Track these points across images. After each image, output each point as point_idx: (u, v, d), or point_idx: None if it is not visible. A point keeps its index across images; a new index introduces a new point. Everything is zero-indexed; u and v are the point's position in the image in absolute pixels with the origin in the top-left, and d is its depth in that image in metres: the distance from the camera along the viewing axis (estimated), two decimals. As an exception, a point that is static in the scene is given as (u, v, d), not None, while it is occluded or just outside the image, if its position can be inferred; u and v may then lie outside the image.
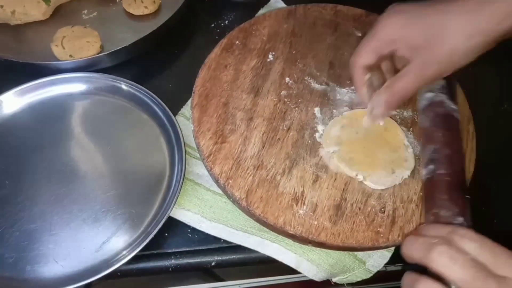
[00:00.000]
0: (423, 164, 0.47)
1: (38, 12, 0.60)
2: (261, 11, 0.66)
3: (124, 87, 0.55)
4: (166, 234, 0.48)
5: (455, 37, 0.38)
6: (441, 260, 0.33)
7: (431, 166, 0.44)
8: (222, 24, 0.66)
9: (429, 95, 0.48)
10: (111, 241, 0.45)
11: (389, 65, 0.46)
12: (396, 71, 0.44)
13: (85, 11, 0.64)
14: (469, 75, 0.55)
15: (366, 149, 0.48)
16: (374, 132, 0.49)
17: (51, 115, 0.54)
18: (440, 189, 0.42)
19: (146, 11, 0.63)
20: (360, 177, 0.46)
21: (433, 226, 0.40)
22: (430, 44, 0.39)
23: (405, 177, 0.47)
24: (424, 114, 0.48)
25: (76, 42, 0.57)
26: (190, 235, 0.48)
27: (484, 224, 0.50)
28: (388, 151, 0.48)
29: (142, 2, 0.63)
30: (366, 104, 0.46)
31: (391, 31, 0.42)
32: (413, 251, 0.35)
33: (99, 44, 0.58)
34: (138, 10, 0.63)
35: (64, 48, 0.56)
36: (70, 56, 0.56)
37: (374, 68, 0.45)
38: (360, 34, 0.59)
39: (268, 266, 0.49)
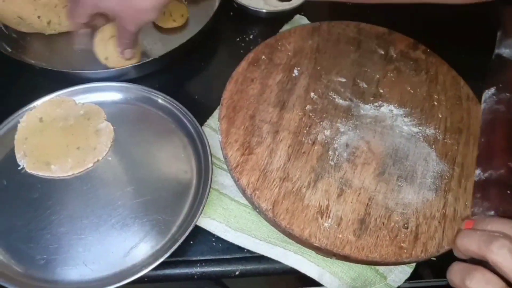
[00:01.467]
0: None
1: (71, 22, 0.62)
2: (285, 27, 0.67)
3: (153, 97, 0.57)
4: (192, 242, 0.49)
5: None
6: (502, 253, 0.32)
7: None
8: (247, 39, 0.68)
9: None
10: (139, 247, 0.47)
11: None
12: None
13: (116, 23, 0.66)
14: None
15: None
16: None
17: (82, 122, 0.55)
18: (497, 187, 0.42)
19: (175, 24, 0.65)
20: None
21: (491, 220, 0.39)
22: (117, 16, 0.51)
23: None
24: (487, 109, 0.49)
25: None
26: (214, 244, 0.49)
27: None
28: None
29: (170, 15, 0.65)
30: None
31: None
32: (471, 242, 0.35)
33: (139, 54, 0.60)
34: (167, 23, 0.65)
35: (105, 48, 0.58)
36: (106, 59, 0.58)
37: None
38: (382, 52, 0.61)
39: (278, 278, 0.49)
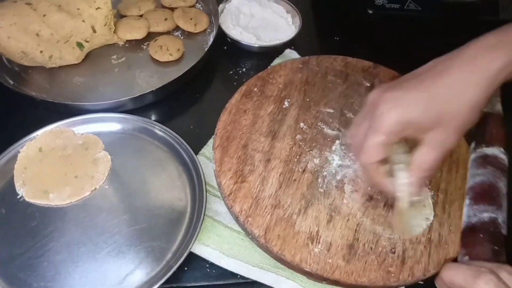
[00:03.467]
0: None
1: (72, 57, 0.65)
2: (277, 61, 0.71)
3: (149, 127, 0.59)
4: (186, 268, 0.50)
5: (460, 106, 0.39)
6: None
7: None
8: (240, 72, 0.71)
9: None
10: (134, 274, 0.48)
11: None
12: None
13: (114, 56, 0.69)
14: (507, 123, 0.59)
15: None
16: None
17: (80, 152, 0.57)
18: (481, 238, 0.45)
19: (171, 58, 0.68)
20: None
21: (477, 261, 0.42)
22: (443, 123, 0.39)
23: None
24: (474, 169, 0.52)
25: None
26: (208, 270, 0.50)
27: None
28: None
29: (167, 49, 0.68)
30: (393, 192, 0.44)
31: (391, 118, 0.39)
32: (458, 275, 0.36)
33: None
34: (163, 57, 0.68)
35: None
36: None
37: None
38: (368, 84, 0.64)
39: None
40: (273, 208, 0.50)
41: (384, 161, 0.43)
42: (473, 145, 0.56)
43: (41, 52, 0.63)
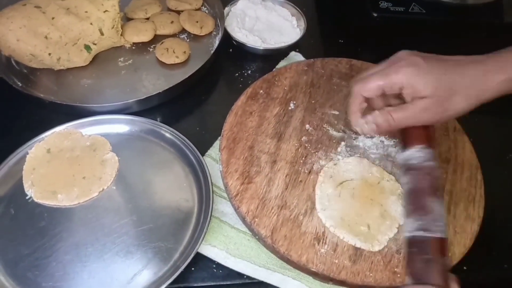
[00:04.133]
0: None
1: (80, 59, 0.66)
2: (282, 63, 0.71)
3: (156, 129, 0.60)
4: (193, 269, 0.50)
5: (457, 97, 0.44)
6: None
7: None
8: (245, 74, 0.72)
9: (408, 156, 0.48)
10: (142, 274, 0.48)
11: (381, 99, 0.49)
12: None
13: (121, 59, 0.70)
14: (476, 126, 0.60)
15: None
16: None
17: (88, 153, 0.58)
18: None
19: (177, 60, 0.69)
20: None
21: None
22: (434, 97, 0.44)
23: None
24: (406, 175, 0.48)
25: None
26: (215, 270, 0.51)
27: (494, 268, 0.53)
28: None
29: (173, 52, 0.69)
30: (356, 126, 0.50)
31: (403, 78, 0.45)
32: None
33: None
34: (169, 59, 0.69)
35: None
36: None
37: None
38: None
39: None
40: (280, 209, 0.50)
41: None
42: (396, 149, 0.55)
43: (49, 54, 0.63)
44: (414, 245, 0.42)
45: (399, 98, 0.47)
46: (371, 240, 0.48)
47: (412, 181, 0.46)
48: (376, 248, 0.48)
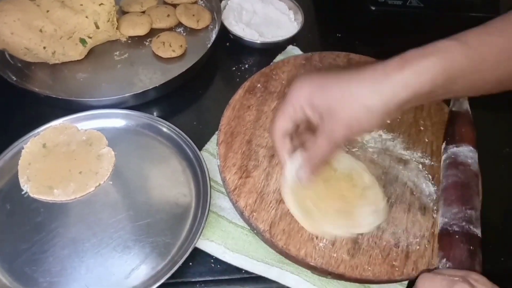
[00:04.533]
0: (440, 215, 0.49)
1: (75, 53, 0.65)
2: (279, 57, 0.71)
3: (153, 123, 0.59)
4: (191, 264, 0.50)
5: (355, 108, 0.40)
6: None
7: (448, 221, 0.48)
8: (243, 68, 0.71)
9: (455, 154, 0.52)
10: (140, 269, 0.48)
11: (305, 126, 0.47)
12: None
13: (117, 53, 0.69)
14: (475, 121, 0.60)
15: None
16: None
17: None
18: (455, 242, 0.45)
19: (174, 54, 0.68)
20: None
21: (446, 269, 0.43)
22: (331, 113, 0.41)
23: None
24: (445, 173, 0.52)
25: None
26: (213, 265, 0.50)
27: (492, 262, 0.53)
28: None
29: (170, 46, 0.68)
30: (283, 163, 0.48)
31: (299, 97, 0.43)
32: (433, 285, 0.38)
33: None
34: (166, 53, 0.68)
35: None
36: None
37: (292, 132, 0.46)
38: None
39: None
40: (278, 203, 0.50)
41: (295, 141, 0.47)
42: (443, 145, 0.55)
43: (44, 48, 0.63)
44: (458, 233, 0.45)
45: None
46: (310, 218, 0.47)
47: (462, 176, 0.49)
48: (310, 228, 0.47)
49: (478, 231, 0.46)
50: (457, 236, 0.46)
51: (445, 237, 0.47)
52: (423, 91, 0.38)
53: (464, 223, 0.46)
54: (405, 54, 0.40)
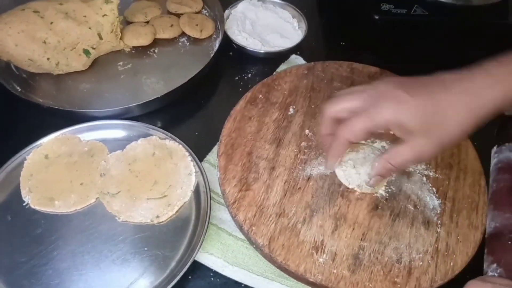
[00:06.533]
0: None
1: (79, 63, 0.66)
2: (282, 67, 0.70)
3: (154, 134, 0.59)
4: (190, 277, 0.50)
5: (449, 126, 0.41)
6: None
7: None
8: (245, 77, 0.71)
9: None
10: (138, 282, 0.48)
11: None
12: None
13: (121, 63, 0.69)
14: (480, 130, 0.58)
15: None
16: None
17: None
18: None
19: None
20: None
21: (496, 278, 0.42)
22: (425, 131, 0.42)
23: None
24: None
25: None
26: (212, 279, 0.50)
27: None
28: None
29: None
30: (333, 168, 0.52)
31: (387, 117, 0.42)
32: None
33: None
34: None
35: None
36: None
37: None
38: (375, 90, 0.63)
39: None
40: (278, 216, 0.49)
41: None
42: (495, 149, 0.55)
43: (48, 59, 0.63)
44: (510, 238, 0.44)
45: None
46: None
47: None
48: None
49: None
50: (510, 242, 0.44)
51: (495, 241, 0.46)
52: (508, 105, 0.41)
53: None
54: (490, 68, 0.41)
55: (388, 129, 0.43)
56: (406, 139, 0.43)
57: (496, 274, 0.43)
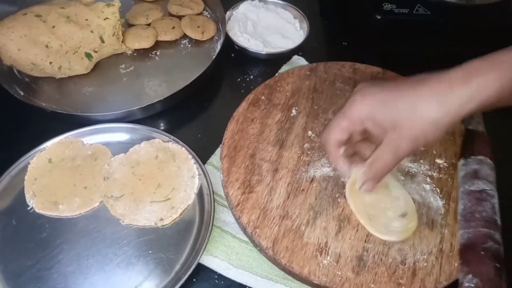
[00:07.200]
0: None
1: (81, 67, 0.66)
2: (284, 68, 0.70)
3: (157, 137, 0.59)
4: (194, 280, 0.50)
5: (421, 122, 0.41)
6: None
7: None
8: (248, 79, 0.71)
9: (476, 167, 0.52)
10: (143, 286, 0.48)
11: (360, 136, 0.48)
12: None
13: (123, 66, 0.69)
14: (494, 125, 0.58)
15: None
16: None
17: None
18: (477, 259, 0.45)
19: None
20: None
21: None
22: (397, 128, 0.42)
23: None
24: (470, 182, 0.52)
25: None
26: (217, 281, 0.50)
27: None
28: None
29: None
30: (345, 175, 0.50)
31: (361, 111, 0.44)
32: None
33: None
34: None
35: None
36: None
37: (346, 141, 0.47)
38: (377, 91, 0.63)
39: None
40: (281, 219, 0.49)
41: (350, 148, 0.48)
42: (462, 161, 0.54)
43: (50, 63, 0.63)
44: (484, 249, 0.44)
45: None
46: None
47: (481, 192, 0.49)
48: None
49: (501, 249, 0.46)
50: (482, 252, 0.45)
51: (470, 252, 0.46)
52: (488, 103, 0.40)
53: (487, 239, 0.45)
54: (468, 65, 0.40)
55: (362, 125, 0.44)
56: (383, 140, 0.43)
57: (472, 285, 0.43)
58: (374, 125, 0.43)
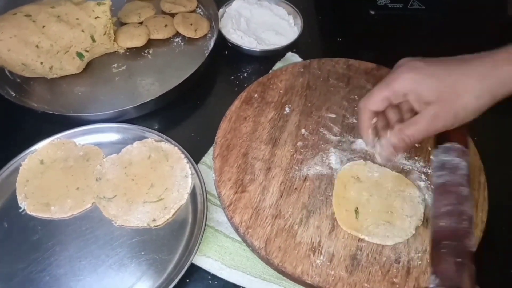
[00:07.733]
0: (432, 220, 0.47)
1: (73, 67, 0.65)
2: (278, 64, 0.70)
3: (150, 136, 0.59)
4: (187, 280, 0.50)
5: (465, 97, 0.42)
6: None
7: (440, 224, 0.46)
8: (241, 76, 0.70)
9: (443, 157, 0.49)
10: (136, 287, 0.47)
11: (395, 112, 0.49)
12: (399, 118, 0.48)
13: (115, 65, 0.69)
14: (479, 125, 0.57)
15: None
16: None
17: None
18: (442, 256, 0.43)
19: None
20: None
21: None
22: (441, 101, 0.43)
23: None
24: (436, 174, 0.49)
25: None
26: (210, 282, 0.50)
27: (499, 274, 0.51)
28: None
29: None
30: (369, 145, 0.50)
31: (404, 84, 0.44)
32: None
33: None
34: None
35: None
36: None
37: (380, 114, 0.48)
38: (371, 87, 0.62)
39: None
40: (274, 218, 0.49)
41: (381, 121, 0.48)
42: (433, 153, 0.52)
43: (41, 63, 0.63)
44: (445, 246, 0.43)
45: (412, 111, 0.46)
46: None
47: (451, 181, 0.47)
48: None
49: (468, 242, 0.43)
50: (443, 250, 0.43)
51: (432, 251, 0.45)
52: None
53: (450, 234, 0.44)
54: (511, 47, 0.42)
55: (404, 97, 0.44)
56: (422, 111, 0.44)
57: (434, 285, 0.41)
58: (417, 98, 0.44)
